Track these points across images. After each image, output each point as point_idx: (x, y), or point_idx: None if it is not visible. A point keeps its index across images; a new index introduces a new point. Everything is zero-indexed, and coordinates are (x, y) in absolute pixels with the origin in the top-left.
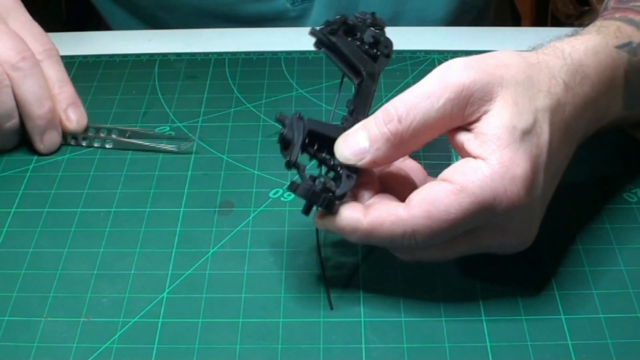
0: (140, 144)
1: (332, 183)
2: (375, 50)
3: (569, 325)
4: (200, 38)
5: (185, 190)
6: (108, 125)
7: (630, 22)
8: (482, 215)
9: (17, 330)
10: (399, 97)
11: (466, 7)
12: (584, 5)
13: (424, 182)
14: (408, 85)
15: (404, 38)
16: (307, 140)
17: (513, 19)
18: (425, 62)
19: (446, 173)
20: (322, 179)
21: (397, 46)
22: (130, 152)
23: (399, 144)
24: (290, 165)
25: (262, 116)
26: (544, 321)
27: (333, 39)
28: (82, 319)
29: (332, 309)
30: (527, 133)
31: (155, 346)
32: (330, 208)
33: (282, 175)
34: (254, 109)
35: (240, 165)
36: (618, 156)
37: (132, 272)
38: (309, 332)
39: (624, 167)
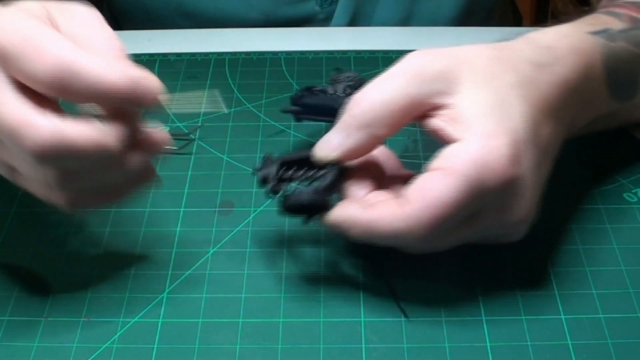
0: None
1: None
2: (350, 92)
3: (569, 325)
4: (200, 38)
5: (185, 190)
6: None
7: (611, 13)
8: (475, 194)
9: (17, 330)
10: (365, 87)
11: (475, 8)
12: (584, 5)
13: (397, 170)
14: None
15: (404, 38)
16: (283, 169)
17: (514, 19)
18: None
19: (432, 163)
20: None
21: (397, 46)
22: None
23: (364, 126)
24: (270, 193)
25: (262, 116)
26: (544, 321)
27: (300, 102)
28: (82, 319)
29: (406, 316)
30: (497, 107)
31: (155, 346)
32: (303, 200)
33: None
34: (254, 109)
35: (240, 165)
36: (618, 156)
37: (132, 272)
38: (309, 332)
39: (624, 168)
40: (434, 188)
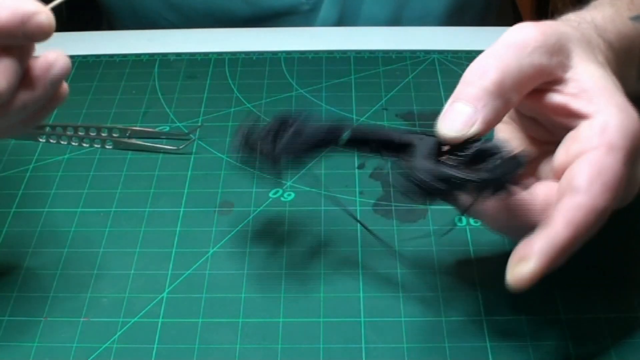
0: (140, 144)
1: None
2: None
3: (568, 325)
4: (200, 38)
5: (185, 190)
6: (108, 125)
7: None
8: (631, 164)
9: (17, 330)
10: (479, 57)
11: (468, 3)
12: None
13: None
14: (408, 85)
15: (404, 38)
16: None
17: (514, 19)
18: (425, 62)
19: (577, 146)
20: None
21: (397, 46)
22: (130, 152)
23: (500, 94)
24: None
25: (262, 116)
26: (544, 321)
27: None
28: (82, 319)
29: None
30: (612, 82)
31: (155, 346)
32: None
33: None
34: (254, 109)
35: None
36: None
37: (132, 272)
38: (309, 332)
39: None
40: (606, 168)
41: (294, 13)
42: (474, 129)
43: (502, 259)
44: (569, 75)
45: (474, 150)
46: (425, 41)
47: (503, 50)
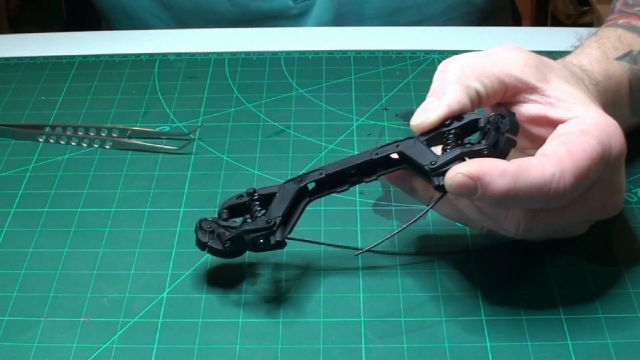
0: (140, 144)
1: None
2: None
3: (569, 325)
4: (200, 38)
5: (185, 190)
6: (108, 125)
7: (632, 28)
8: (604, 160)
9: (17, 330)
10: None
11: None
12: (584, 5)
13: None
14: (408, 85)
15: (404, 38)
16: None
17: (514, 19)
18: (425, 62)
19: (557, 132)
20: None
21: (397, 46)
22: (130, 152)
23: (460, 80)
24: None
25: (262, 116)
26: (544, 321)
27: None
28: (82, 319)
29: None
30: (590, 97)
31: (155, 346)
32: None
33: (282, 175)
34: (254, 109)
35: (240, 165)
36: None
37: (132, 272)
38: (309, 332)
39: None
40: (576, 141)
41: (282, 17)
42: (436, 112)
43: (502, 259)
44: (545, 87)
45: (455, 128)
46: (425, 41)
47: (474, 54)
